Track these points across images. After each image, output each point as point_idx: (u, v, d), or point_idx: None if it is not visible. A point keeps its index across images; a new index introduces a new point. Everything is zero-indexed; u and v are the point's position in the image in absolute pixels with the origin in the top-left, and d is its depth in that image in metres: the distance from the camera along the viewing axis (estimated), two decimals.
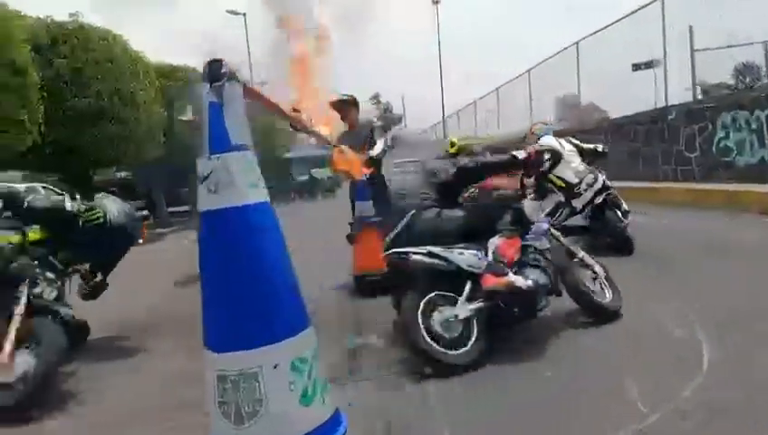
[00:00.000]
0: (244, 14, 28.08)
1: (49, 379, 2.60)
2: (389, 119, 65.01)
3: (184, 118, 10.08)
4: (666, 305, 3.21)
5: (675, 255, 4.60)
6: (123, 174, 17.58)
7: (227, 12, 28.14)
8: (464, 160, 3.14)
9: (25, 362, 2.53)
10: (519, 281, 2.67)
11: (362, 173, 3.78)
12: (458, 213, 2.97)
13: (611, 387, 2.24)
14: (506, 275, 2.67)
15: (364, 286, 4.45)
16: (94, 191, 3.83)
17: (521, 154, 3.05)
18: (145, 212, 16.43)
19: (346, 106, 4.91)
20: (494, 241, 2.84)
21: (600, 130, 10.77)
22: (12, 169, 12.13)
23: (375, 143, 4.74)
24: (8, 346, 2.49)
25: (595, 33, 11.53)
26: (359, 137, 4.86)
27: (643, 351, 2.63)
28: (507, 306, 2.68)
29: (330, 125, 2.35)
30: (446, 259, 2.71)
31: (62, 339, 2.68)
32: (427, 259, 2.71)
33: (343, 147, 3.28)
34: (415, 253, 2.74)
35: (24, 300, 2.72)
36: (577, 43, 12.52)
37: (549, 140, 5.04)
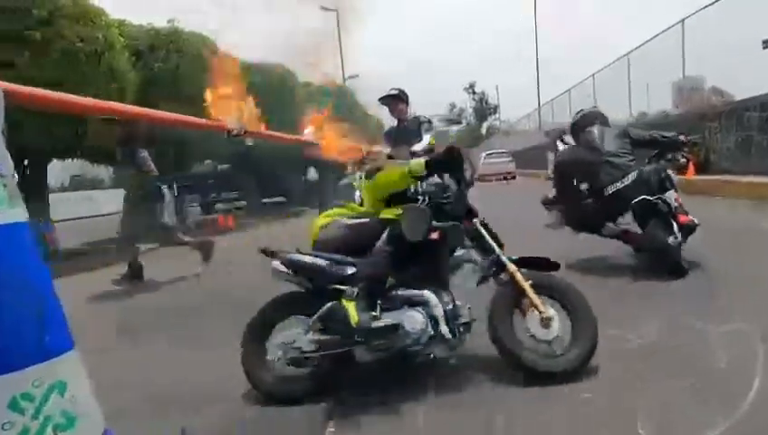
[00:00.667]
0: (336, 11, 28.84)
1: None
2: (482, 111, 63.43)
3: None
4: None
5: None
6: (223, 166, 18.83)
7: (321, 8, 29.04)
8: (636, 131, 4.31)
9: None
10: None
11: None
12: None
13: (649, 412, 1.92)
14: None
15: None
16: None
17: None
18: (242, 202, 17.59)
19: (393, 100, 4.82)
20: None
21: (715, 116, 9.51)
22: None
23: (422, 138, 4.61)
24: None
25: (708, 6, 10.16)
26: (406, 132, 4.75)
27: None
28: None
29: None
30: None
31: None
32: None
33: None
34: None
35: None
36: (682, 20, 11.23)
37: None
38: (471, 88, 64.94)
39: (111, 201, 20.87)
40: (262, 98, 11.90)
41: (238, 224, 12.65)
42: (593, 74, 18.14)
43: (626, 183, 3.83)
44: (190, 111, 10.02)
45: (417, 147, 4.44)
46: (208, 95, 1.53)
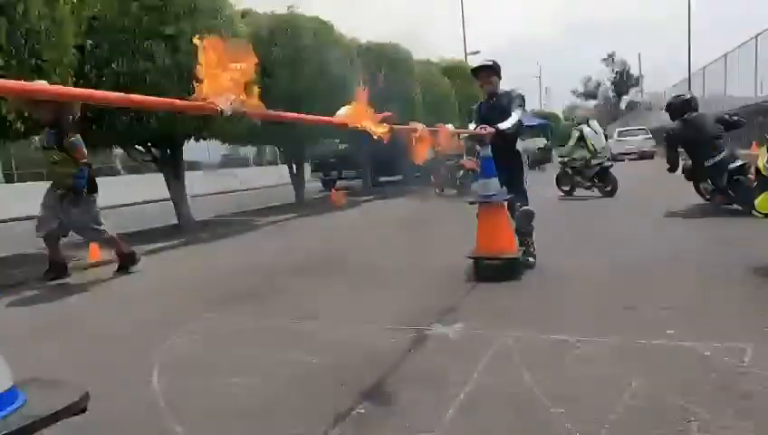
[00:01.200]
0: None
1: None
2: (623, 84, 57.53)
3: None
4: None
5: None
6: (344, 146, 19.65)
7: None
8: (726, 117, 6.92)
9: None
10: None
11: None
12: None
13: None
14: None
15: (482, 269, 4.18)
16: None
17: None
18: (359, 180, 18.28)
19: (484, 72, 4.61)
20: None
21: None
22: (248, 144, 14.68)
23: (510, 115, 4.35)
24: None
25: None
26: (495, 108, 4.53)
27: None
28: None
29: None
30: None
31: None
32: None
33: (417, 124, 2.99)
34: None
35: None
36: None
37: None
38: (611, 58, 59.24)
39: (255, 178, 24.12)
40: (374, 77, 12.07)
41: (352, 201, 13.20)
42: (756, 35, 15.49)
43: (717, 159, 6.52)
44: (308, 92, 10.50)
45: (503, 125, 4.23)
46: (198, 75, 1.58)
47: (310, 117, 2.66)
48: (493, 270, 4.14)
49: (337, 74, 11.22)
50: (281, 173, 17.44)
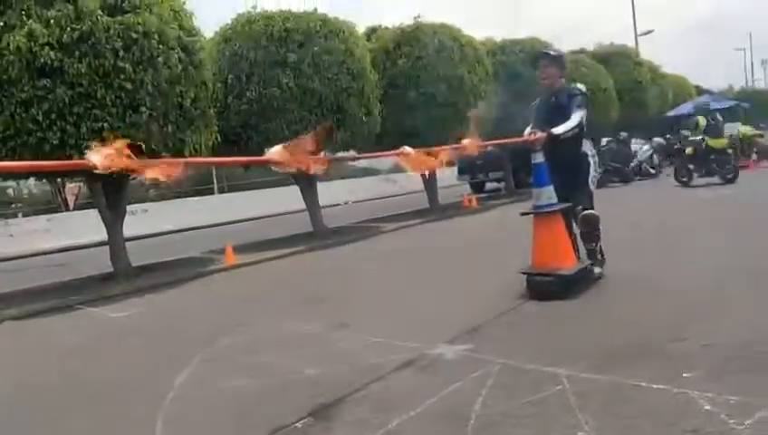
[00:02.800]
0: None
1: None
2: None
3: None
4: None
5: None
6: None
7: None
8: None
9: None
10: None
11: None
12: None
13: None
14: None
15: (534, 286, 3.90)
16: None
17: None
18: (501, 184, 17.73)
19: (547, 61, 4.24)
20: None
21: None
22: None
23: (569, 117, 3.95)
24: None
25: None
26: (555, 107, 4.14)
27: None
28: None
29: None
30: None
31: None
32: None
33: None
34: None
35: None
36: None
37: None
38: None
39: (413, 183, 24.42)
40: (510, 75, 11.70)
41: (490, 205, 12.96)
42: None
43: None
44: (431, 100, 10.68)
45: (559, 129, 3.86)
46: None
47: (232, 160, 2.77)
48: (546, 287, 3.82)
49: (462, 77, 11.18)
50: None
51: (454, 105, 11.08)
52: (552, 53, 4.25)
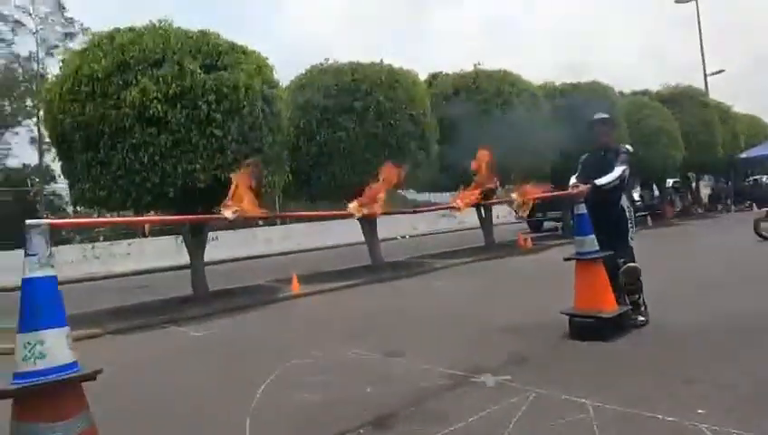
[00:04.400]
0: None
1: None
2: None
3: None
4: None
5: None
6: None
7: (676, 2, 25.70)
8: None
9: None
10: None
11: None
12: None
13: None
14: None
15: (576, 327, 4.21)
16: None
17: None
18: (559, 223, 17.69)
19: (601, 126, 4.68)
20: None
21: None
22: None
23: (613, 169, 4.34)
24: None
25: None
26: (602, 161, 4.55)
27: None
28: None
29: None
30: None
31: None
32: None
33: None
34: None
35: None
36: None
37: None
38: None
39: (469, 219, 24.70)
40: (572, 117, 11.94)
41: (544, 245, 13.08)
42: None
43: None
44: (488, 143, 11.16)
45: (602, 180, 4.26)
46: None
47: (319, 213, 3.31)
48: (587, 329, 4.12)
49: (518, 120, 11.59)
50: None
51: (510, 147, 11.49)
52: (603, 117, 4.68)
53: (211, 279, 8.78)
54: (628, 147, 4.56)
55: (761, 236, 9.85)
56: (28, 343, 1.82)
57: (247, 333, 6.00)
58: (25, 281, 1.86)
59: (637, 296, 4.33)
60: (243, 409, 3.22)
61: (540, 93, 12.87)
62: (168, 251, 16.24)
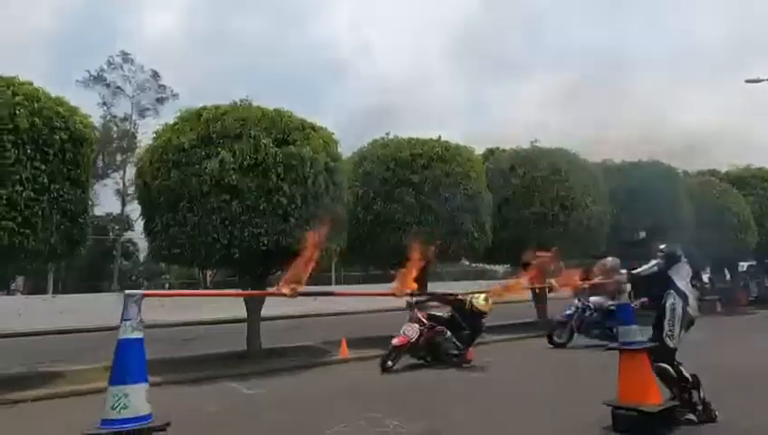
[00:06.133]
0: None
1: None
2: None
3: None
4: None
5: None
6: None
7: (747, 81, 25.26)
8: None
9: None
10: None
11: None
12: None
13: None
14: None
15: (618, 420, 4.16)
16: None
17: None
18: None
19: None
20: None
21: None
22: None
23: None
24: None
25: None
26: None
27: None
28: None
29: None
30: None
31: None
32: None
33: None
34: None
35: None
36: None
37: None
38: None
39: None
40: (638, 197, 11.87)
41: None
42: None
43: None
44: (543, 219, 11.22)
45: (637, 269, 4.38)
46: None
47: (367, 292, 3.66)
48: (628, 421, 4.06)
49: (573, 198, 11.65)
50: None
51: (564, 224, 11.51)
52: (643, 236, 4.87)
53: (264, 335, 9.14)
54: (666, 249, 4.62)
55: None
56: (116, 395, 2.18)
57: (297, 394, 6.23)
58: (120, 341, 2.24)
59: (686, 395, 4.23)
60: None
61: (598, 171, 12.91)
62: (226, 306, 16.96)
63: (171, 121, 8.18)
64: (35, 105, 6.43)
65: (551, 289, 4.24)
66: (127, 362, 2.23)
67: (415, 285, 3.32)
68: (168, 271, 41.65)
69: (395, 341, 7.39)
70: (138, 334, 2.27)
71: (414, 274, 3.24)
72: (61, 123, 6.68)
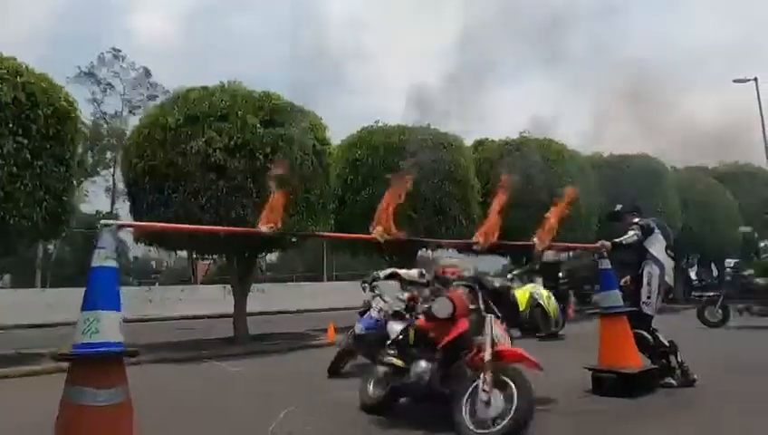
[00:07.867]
0: (755, 79, 24.74)
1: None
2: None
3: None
4: None
5: None
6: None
7: (734, 81, 25.54)
8: None
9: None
10: None
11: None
12: None
13: None
14: None
15: (599, 383, 4.18)
16: None
17: None
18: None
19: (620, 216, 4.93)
20: None
21: None
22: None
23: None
24: None
25: None
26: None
27: None
28: None
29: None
30: None
31: None
32: None
33: None
34: None
35: None
36: None
37: None
38: None
39: None
40: (626, 188, 11.94)
41: (584, 313, 12.69)
42: None
43: None
44: (529, 206, 11.23)
45: (619, 239, 4.43)
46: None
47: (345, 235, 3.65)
48: (608, 383, 4.08)
49: (561, 187, 11.68)
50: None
51: (548, 209, 11.56)
52: (618, 209, 5.03)
53: (255, 326, 9.08)
54: (641, 222, 4.68)
55: None
56: (87, 320, 2.16)
57: (276, 372, 6.18)
58: (93, 269, 2.23)
59: (665, 360, 4.26)
60: (264, 428, 3.42)
61: (587, 163, 12.99)
62: (217, 299, 16.86)
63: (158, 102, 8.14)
64: (18, 79, 6.37)
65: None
66: (99, 289, 2.21)
67: (399, 233, 3.32)
68: (159, 268, 41.34)
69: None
70: (111, 263, 2.26)
71: (389, 209, 3.24)
72: (44, 99, 6.62)
